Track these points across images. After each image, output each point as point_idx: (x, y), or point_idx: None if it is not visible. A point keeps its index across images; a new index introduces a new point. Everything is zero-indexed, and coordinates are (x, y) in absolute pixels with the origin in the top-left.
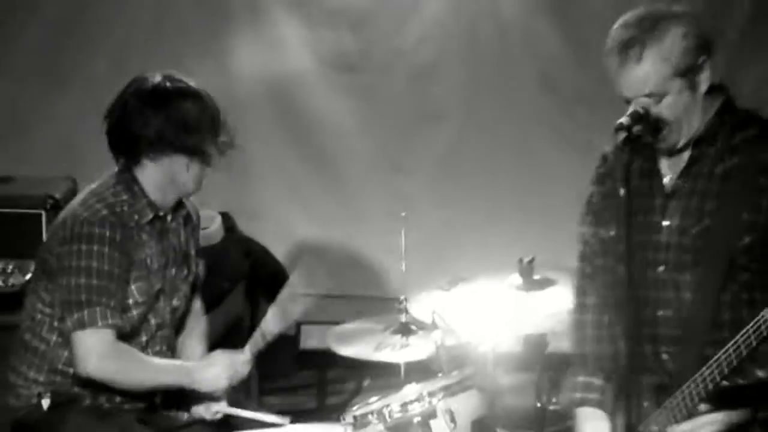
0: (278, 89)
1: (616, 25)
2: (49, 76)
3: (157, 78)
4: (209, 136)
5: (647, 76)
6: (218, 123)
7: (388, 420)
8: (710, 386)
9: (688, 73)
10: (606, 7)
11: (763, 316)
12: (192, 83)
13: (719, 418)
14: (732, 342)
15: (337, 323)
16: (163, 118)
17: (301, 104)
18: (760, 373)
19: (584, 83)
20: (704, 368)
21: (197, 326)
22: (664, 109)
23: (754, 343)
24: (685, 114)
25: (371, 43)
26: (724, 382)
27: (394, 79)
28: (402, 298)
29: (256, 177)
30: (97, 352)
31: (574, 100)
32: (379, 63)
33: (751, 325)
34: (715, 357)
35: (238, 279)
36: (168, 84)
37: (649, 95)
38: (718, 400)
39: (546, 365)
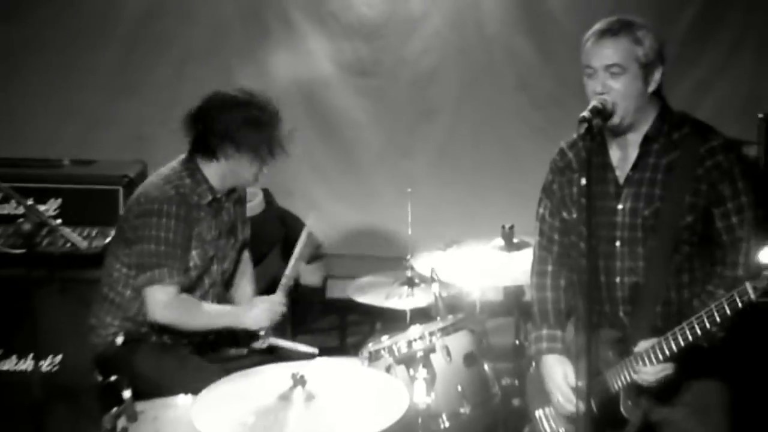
0: (307, 90)
1: (597, 25)
2: (122, 82)
3: (235, 91)
4: (271, 140)
5: (617, 49)
6: (278, 129)
7: (397, 355)
8: (682, 343)
9: (646, 66)
10: (574, 28)
11: (738, 290)
12: (260, 95)
13: (671, 365)
14: (705, 311)
15: (355, 278)
16: (238, 123)
17: (326, 102)
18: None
19: (553, 87)
20: (677, 328)
21: (248, 271)
22: (619, 85)
23: (728, 313)
24: (632, 98)
25: (381, 53)
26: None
27: (400, 83)
28: (408, 257)
29: (290, 161)
30: (163, 303)
31: (544, 101)
32: (388, 70)
33: (726, 297)
34: (687, 322)
35: (275, 243)
36: (243, 96)
37: (612, 65)
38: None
39: (522, 311)
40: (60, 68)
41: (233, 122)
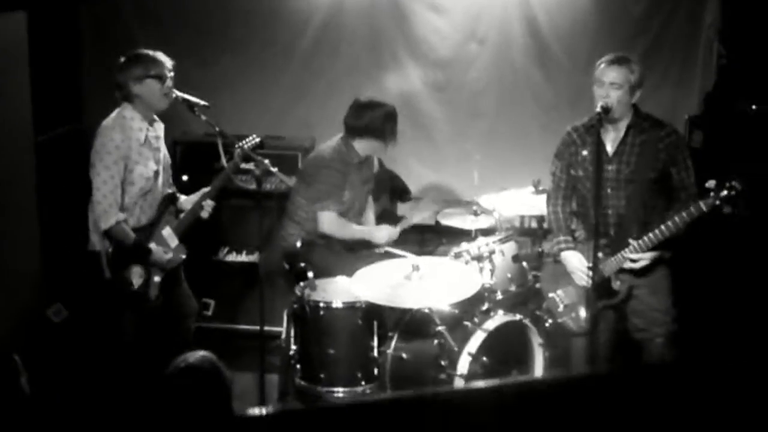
0: (406, 99)
1: (607, 56)
2: (302, 82)
3: (371, 98)
4: (393, 128)
5: (619, 73)
6: (396, 123)
7: (472, 254)
8: (660, 237)
9: (633, 87)
10: (567, 64)
11: (694, 205)
12: (382, 102)
13: (648, 255)
14: (673, 218)
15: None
16: (372, 119)
17: (417, 106)
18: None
19: (552, 99)
20: (657, 228)
21: (370, 206)
22: (617, 94)
23: (687, 219)
24: (623, 103)
25: (451, 77)
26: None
27: (462, 95)
28: (474, 198)
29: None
30: (327, 222)
31: (547, 107)
32: (455, 87)
33: (686, 210)
34: (663, 225)
35: (385, 191)
36: (374, 101)
37: (614, 83)
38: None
39: (544, 231)
40: (257, 68)
41: (370, 118)
